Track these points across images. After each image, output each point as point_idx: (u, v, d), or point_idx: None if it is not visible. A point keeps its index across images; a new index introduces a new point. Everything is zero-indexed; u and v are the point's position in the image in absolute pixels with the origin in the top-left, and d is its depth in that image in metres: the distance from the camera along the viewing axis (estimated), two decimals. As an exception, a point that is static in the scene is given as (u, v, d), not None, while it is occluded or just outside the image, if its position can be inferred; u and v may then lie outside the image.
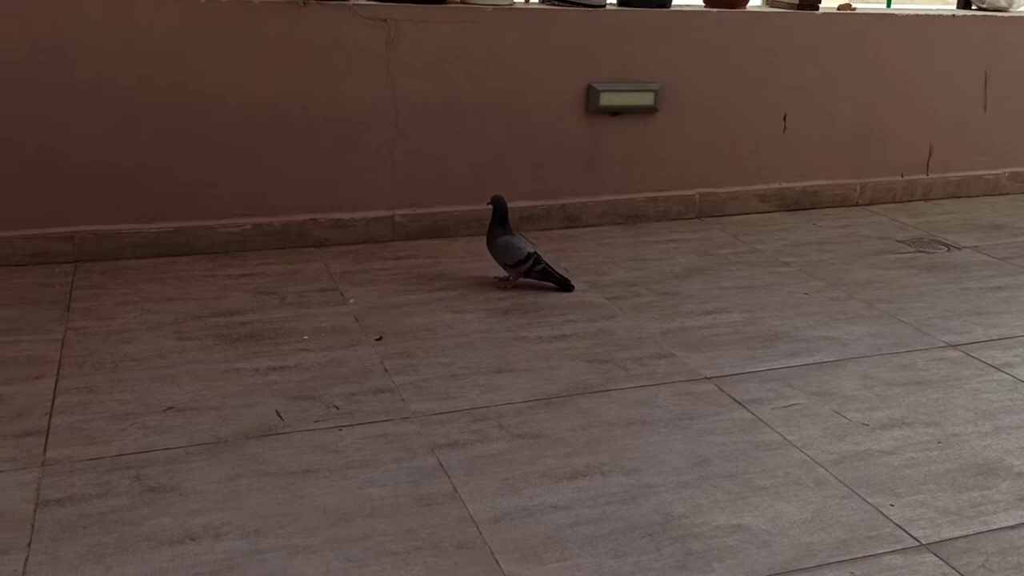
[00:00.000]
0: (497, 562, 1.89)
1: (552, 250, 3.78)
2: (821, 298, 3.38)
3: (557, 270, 3.34)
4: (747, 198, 4.39)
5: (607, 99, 3.96)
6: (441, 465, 2.22)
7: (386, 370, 2.69)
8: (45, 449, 2.22)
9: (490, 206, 3.32)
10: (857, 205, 4.61)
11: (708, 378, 2.72)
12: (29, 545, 1.88)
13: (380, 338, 2.89)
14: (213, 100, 3.44)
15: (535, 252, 3.29)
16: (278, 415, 2.41)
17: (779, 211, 4.45)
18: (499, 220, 3.31)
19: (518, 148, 3.91)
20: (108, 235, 3.44)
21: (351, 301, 3.18)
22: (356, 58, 3.58)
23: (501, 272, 3.35)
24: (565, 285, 3.32)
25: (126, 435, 2.29)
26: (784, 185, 4.45)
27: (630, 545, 1.96)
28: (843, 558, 1.95)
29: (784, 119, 4.33)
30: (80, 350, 2.72)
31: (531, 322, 3.06)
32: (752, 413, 2.53)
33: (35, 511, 1.98)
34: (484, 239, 3.36)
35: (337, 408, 2.46)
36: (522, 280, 3.32)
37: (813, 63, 4.31)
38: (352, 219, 3.75)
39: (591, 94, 3.94)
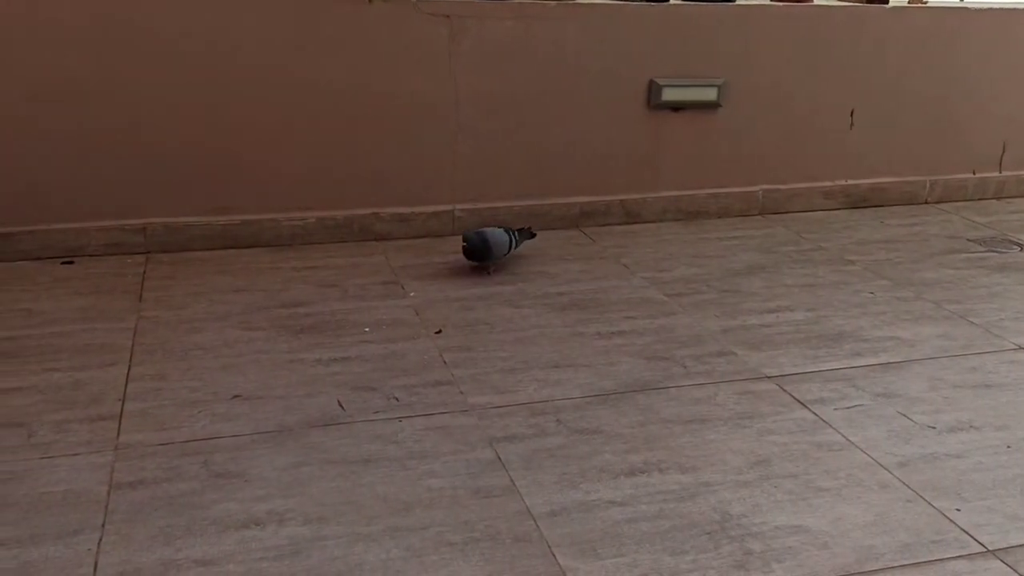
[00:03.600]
0: (554, 555, 1.90)
1: (611, 246, 3.77)
2: (888, 297, 3.31)
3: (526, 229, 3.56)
4: (811, 195, 4.32)
5: (669, 94, 3.93)
6: (499, 458, 2.24)
7: (445, 363, 2.72)
8: (118, 433, 2.29)
9: (465, 244, 3.34)
10: (926, 203, 4.50)
11: (769, 377, 2.69)
12: (103, 526, 1.95)
13: (440, 331, 2.92)
14: (279, 96, 3.51)
15: (502, 228, 3.43)
16: (340, 405, 2.46)
17: (844, 208, 4.37)
18: (474, 248, 3.32)
19: (579, 143, 3.91)
20: (178, 227, 3.54)
21: (411, 294, 3.22)
22: (419, 54, 3.62)
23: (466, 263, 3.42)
24: (531, 234, 3.57)
25: (195, 422, 2.35)
26: (850, 182, 4.37)
27: (688, 543, 1.96)
28: (907, 562, 1.92)
29: (851, 115, 4.25)
30: (151, 338, 2.81)
31: (590, 317, 3.06)
32: (814, 413, 2.50)
33: (109, 493, 2.05)
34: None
35: (397, 399, 2.50)
36: (508, 256, 3.43)
37: (882, 58, 4.22)
38: (413, 213, 3.79)
39: (653, 89, 3.92)
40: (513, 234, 3.43)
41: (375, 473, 2.16)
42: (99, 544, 1.89)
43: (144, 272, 3.34)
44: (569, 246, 3.77)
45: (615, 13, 3.81)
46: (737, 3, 4.04)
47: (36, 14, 3.20)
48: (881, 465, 2.26)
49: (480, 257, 3.35)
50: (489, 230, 3.41)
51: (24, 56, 3.23)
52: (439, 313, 3.06)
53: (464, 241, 3.34)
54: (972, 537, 2.00)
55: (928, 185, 4.49)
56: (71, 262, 3.40)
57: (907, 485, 2.18)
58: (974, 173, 4.57)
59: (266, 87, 3.49)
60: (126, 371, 2.60)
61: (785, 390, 2.62)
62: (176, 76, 3.39)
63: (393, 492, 2.09)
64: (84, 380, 2.54)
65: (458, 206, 3.83)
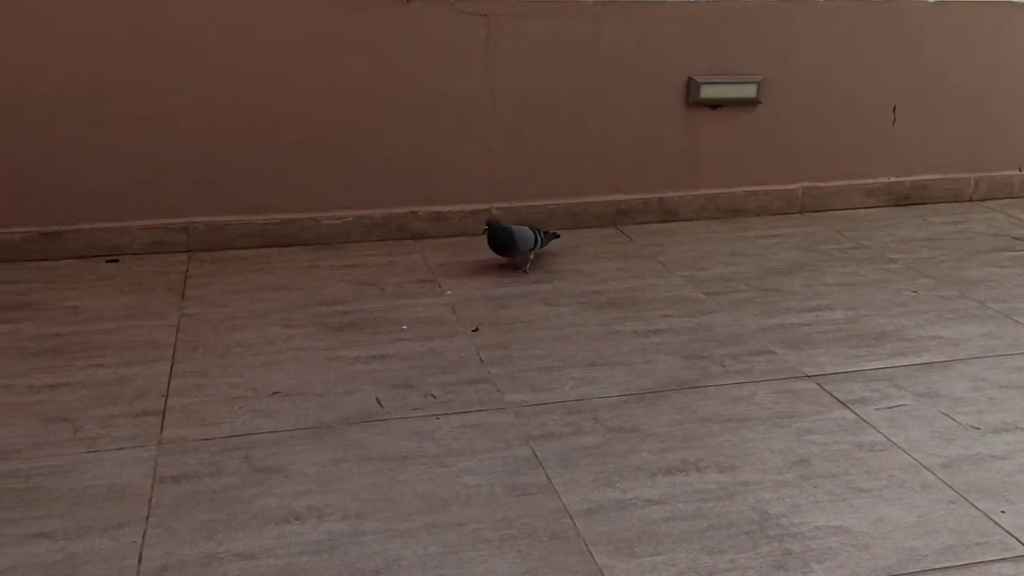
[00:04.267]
0: (591, 553, 1.90)
1: (648, 244, 3.76)
2: (931, 296, 3.26)
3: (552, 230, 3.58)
4: (852, 192, 4.26)
5: (708, 91, 3.91)
6: (536, 456, 2.24)
7: (482, 361, 2.73)
8: (162, 428, 2.33)
9: (486, 226, 3.37)
10: (971, 200, 4.42)
11: (809, 376, 2.67)
12: (147, 519, 1.98)
13: (476, 329, 2.93)
14: (318, 96, 3.55)
15: (527, 227, 3.41)
16: (378, 402, 2.48)
17: (886, 206, 4.31)
18: (497, 233, 3.34)
19: (616, 141, 3.90)
20: (219, 226, 3.59)
21: (448, 292, 3.23)
22: (456, 53, 3.63)
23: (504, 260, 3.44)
24: (555, 235, 3.56)
25: (236, 417, 2.39)
26: (892, 179, 4.31)
27: (726, 542, 1.94)
28: (949, 564, 1.89)
29: (893, 111, 4.19)
30: (194, 335, 2.85)
31: (626, 316, 3.05)
32: (855, 413, 2.47)
33: (152, 487, 2.09)
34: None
35: (434, 397, 2.51)
36: (535, 253, 3.42)
37: (925, 52, 4.15)
38: (450, 212, 3.81)
39: (691, 86, 3.90)
40: (539, 233, 3.43)
41: (412, 470, 2.18)
42: (143, 537, 1.92)
43: (186, 270, 3.40)
44: (606, 244, 3.76)
45: (652, 10, 3.79)
46: (776, -1, 4.01)
47: (79, 15, 3.27)
48: (924, 466, 2.23)
49: (502, 245, 3.34)
50: (514, 226, 3.42)
51: (71, 58, 3.30)
52: (476, 311, 3.07)
53: (486, 224, 3.36)
54: (1017, 540, 1.96)
55: (973, 182, 4.41)
56: (116, 260, 3.47)
57: (950, 486, 2.15)
58: (1020, 170, 4.48)
59: (304, 87, 3.53)
60: (169, 367, 2.65)
61: (825, 389, 2.59)
62: (216, 77, 3.44)
63: (430, 489, 2.11)
64: (128, 376, 2.59)
65: (495, 205, 3.84)
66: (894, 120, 4.21)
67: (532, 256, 3.42)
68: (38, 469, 2.14)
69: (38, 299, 3.11)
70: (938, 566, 1.89)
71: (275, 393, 2.52)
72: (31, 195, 3.40)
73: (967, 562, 1.90)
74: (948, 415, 2.46)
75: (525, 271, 3.39)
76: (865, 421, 2.43)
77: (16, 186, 3.38)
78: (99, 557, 1.86)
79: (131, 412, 2.40)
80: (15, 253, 3.42)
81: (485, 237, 3.37)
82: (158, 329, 2.89)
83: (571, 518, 2.01)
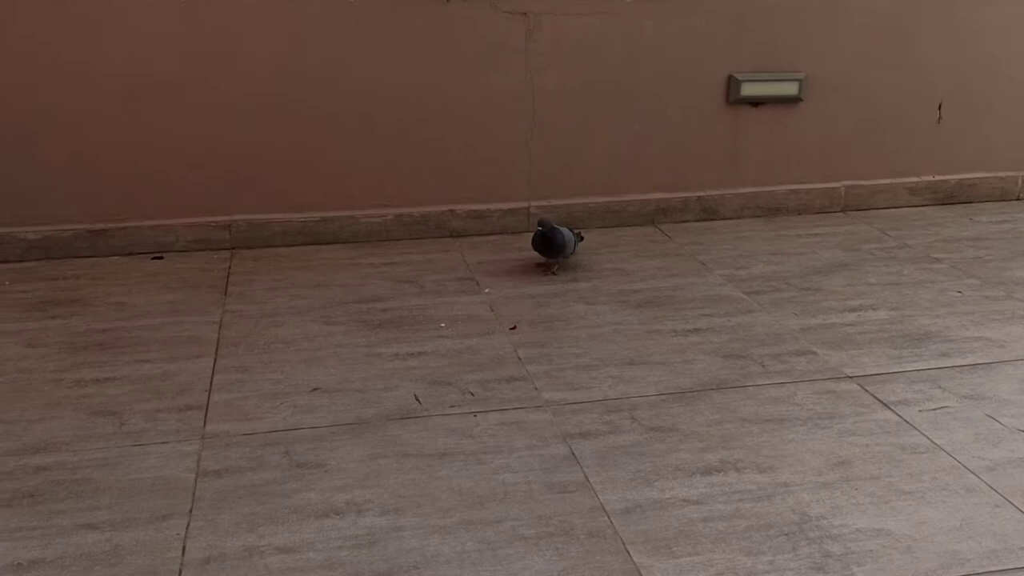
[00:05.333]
0: (628, 552, 1.90)
1: (688, 243, 3.74)
2: (976, 297, 3.20)
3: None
4: (896, 191, 4.20)
5: (749, 89, 3.87)
6: (573, 454, 2.24)
7: (520, 359, 2.73)
8: (204, 423, 2.37)
9: (540, 228, 3.33)
10: (1018, 199, 4.33)
11: (851, 377, 2.63)
12: (190, 512, 2.02)
13: (514, 327, 2.94)
14: (357, 94, 3.58)
15: (566, 229, 3.37)
16: (416, 399, 2.50)
17: (931, 205, 4.24)
18: (548, 238, 3.31)
19: (655, 139, 3.88)
20: (260, 223, 3.64)
21: (486, 290, 3.24)
22: (496, 51, 3.64)
23: (538, 259, 3.42)
24: (580, 236, 3.48)
25: (277, 413, 2.42)
26: (937, 178, 4.24)
27: (765, 544, 1.93)
28: (993, 568, 1.86)
29: (939, 108, 4.12)
30: (236, 331, 2.90)
31: (665, 315, 3.04)
32: (898, 415, 2.43)
33: (196, 480, 2.13)
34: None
35: (472, 394, 2.52)
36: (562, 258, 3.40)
37: (972, 48, 4.07)
38: (488, 210, 3.82)
39: (732, 84, 3.86)
40: (577, 235, 3.43)
41: (450, 466, 2.19)
42: (187, 529, 1.96)
43: (229, 267, 3.45)
44: (645, 243, 3.75)
45: (693, 7, 3.77)
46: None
47: (128, 17, 3.33)
48: (968, 469, 2.19)
49: (551, 247, 3.32)
50: (555, 230, 3.36)
51: (120, 59, 3.36)
52: (514, 309, 3.08)
53: (539, 225, 3.34)
54: (1065, 546, 1.93)
55: (1021, 181, 4.32)
56: (160, 257, 3.54)
57: (995, 490, 2.11)
58: (1071, 167, 4.38)
59: (344, 86, 3.56)
60: (212, 363, 2.69)
61: (867, 390, 2.56)
62: (259, 77, 3.48)
63: (468, 486, 2.12)
64: (173, 371, 2.64)
65: (533, 203, 3.84)
66: (939, 117, 4.14)
67: (567, 259, 3.42)
68: (86, 461, 2.19)
69: (86, 295, 3.17)
70: (982, 570, 1.85)
71: (315, 389, 2.55)
72: (81, 193, 3.48)
73: (1012, 567, 1.86)
74: (993, 417, 2.42)
75: (554, 273, 3.37)
76: (908, 423, 2.39)
77: (67, 184, 3.46)
78: (144, 548, 1.90)
79: (175, 407, 2.45)
80: (65, 250, 3.50)
81: (535, 237, 3.34)
82: (201, 325, 2.94)
83: (608, 517, 2.01)
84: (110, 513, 2.01)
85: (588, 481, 2.14)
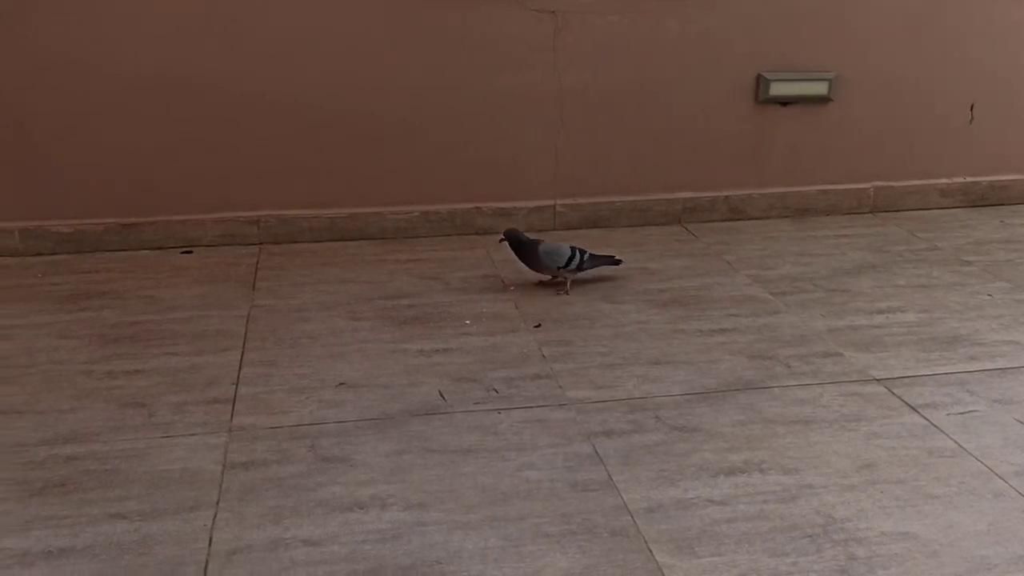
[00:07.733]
0: (651, 551, 1.90)
1: (715, 243, 3.72)
2: (1007, 300, 3.16)
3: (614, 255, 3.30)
4: (927, 192, 4.16)
5: (778, 88, 3.85)
6: (597, 453, 2.25)
7: (544, 357, 2.74)
8: (232, 416, 2.40)
9: (504, 241, 3.20)
10: (1052, 201, 4.28)
11: (878, 379, 2.61)
12: (217, 503, 2.04)
13: (539, 325, 2.95)
14: (386, 92, 3.59)
15: (573, 246, 3.18)
16: (441, 395, 2.51)
17: (962, 207, 4.19)
18: (520, 243, 3.18)
19: (682, 138, 3.87)
20: (288, 219, 3.67)
21: (511, 288, 3.25)
22: (523, 49, 3.65)
23: (544, 277, 3.26)
24: (614, 260, 3.27)
25: (303, 407, 2.44)
26: (969, 179, 4.19)
27: (789, 545, 1.92)
28: (1021, 574, 1.84)
29: (971, 109, 4.07)
30: (263, 326, 2.92)
31: (691, 315, 3.03)
32: (925, 418, 2.41)
33: (223, 472, 2.15)
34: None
35: (497, 391, 2.53)
36: (579, 276, 3.22)
37: (1005, 48, 4.02)
38: (514, 208, 3.82)
39: (761, 83, 3.84)
40: (582, 253, 3.18)
41: (474, 463, 2.20)
42: (214, 520, 1.98)
43: (257, 262, 3.48)
44: (671, 242, 3.74)
45: (720, 5, 3.75)
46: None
47: (154, 11, 3.37)
48: (996, 473, 2.17)
49: (526, 255, 3.16)
50: (549, 241, 3.23)
51: (152, 56, 3.40)
52: (539, 307, 3.08)
53: (504, 236, 3.20)
54: (1095, 553, 1.90)
55: (1055, 182, 4.27)
56: (190, 252, 3.58)
57: (1023, 495, 2.09)
58: (1106, 170, 4.31)
59: (372, 84, 3.58)
60: (239, 357, 2.72)
61: (894, 393, 2.54)
62: (287, 74, 3.51)
63: (492, 482, 2.12)
64: (201, 364, 2.67)
65: (559, 201, 3.85)
66: (971, 118, 4.09)
67: (570, 276, 3.20)
68: (116, 452, 2.23)
69: (116, 288, 3.22)
70: (1009, 575, 1.84)
71: (341, 384, 2.56)
72: (112, 188, 3.52)
73: (1041, 574, 1.84)
74: (1022, 422, 2.39)
75: (566, 292, 3.21)
76: (935, 426, 2.37)
77: (99, 179, 3.51)
78: (171, 539, 1.92)
79: (203, 399, 2.48)
80: (96, 243, 3.55)
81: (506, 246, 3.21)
82: (229, 319, 2.97)
83: (631, 516, 2.01)
84: (139, 503, 2.03)
85: (611, 480, 2.14)
